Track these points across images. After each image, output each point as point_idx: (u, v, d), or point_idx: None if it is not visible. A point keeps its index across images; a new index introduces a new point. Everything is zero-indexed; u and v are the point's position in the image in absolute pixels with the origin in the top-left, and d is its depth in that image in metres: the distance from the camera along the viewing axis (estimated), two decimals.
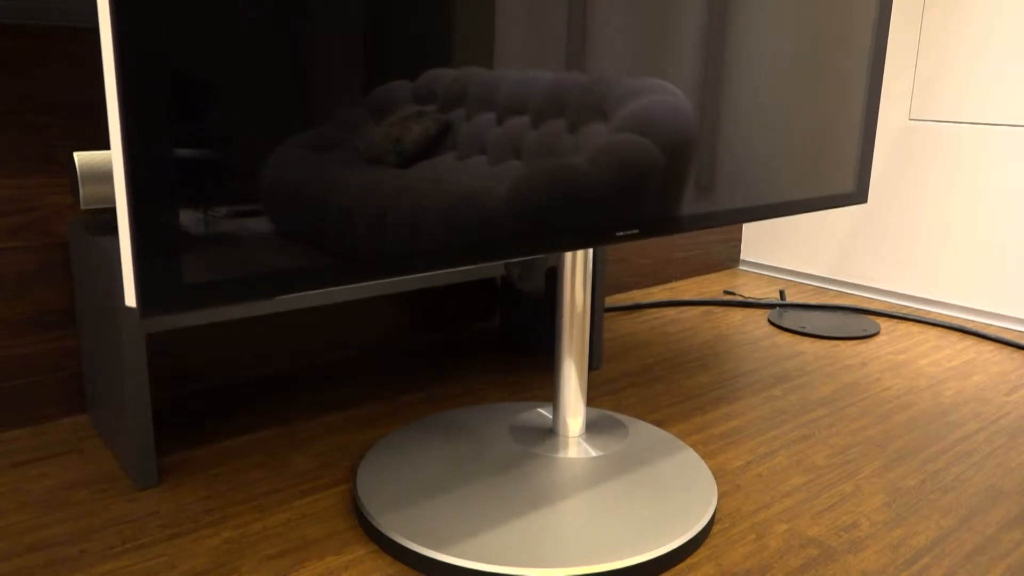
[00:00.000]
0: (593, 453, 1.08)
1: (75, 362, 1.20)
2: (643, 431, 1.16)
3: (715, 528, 0.97)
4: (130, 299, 0.63)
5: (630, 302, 1.88)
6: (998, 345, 1.67)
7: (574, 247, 0.90)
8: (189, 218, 0.64)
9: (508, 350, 1.55)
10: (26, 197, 1.13)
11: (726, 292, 2.01)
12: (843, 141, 1.21)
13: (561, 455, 1.07)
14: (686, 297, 1.95)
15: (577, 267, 1.06)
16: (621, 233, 0.94)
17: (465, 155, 0.77)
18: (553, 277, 1.47)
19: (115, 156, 0.60)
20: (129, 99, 0.59)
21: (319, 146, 0.68)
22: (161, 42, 0.59)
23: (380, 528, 0.90)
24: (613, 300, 1.92)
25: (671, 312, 1.84)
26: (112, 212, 1.20)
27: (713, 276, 2.18)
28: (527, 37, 0.79)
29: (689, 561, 0.90)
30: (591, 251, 1.05)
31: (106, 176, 1.01)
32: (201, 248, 0.65)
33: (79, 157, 1.00)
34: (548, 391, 1.36)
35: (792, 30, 1.07)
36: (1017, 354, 1.61)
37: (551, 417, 1.19)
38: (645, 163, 0.92)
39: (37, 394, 1.18)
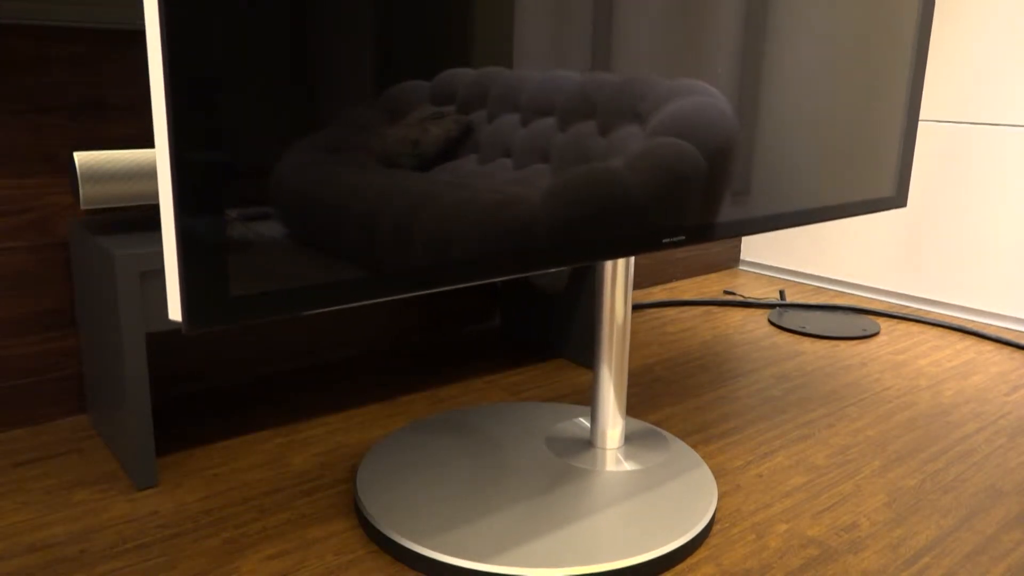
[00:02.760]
0: (625, 461, 1.08)
1: (75, 362, 1.20)
2: (675, 443, 1.16)
3: (715, 528, 0.97)
4: (175, 313, 0.61)
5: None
6: (998, 345, 1.67)
7: (617, 255, 0.87)
8: (235, 229, 0.62)
9: (508, 350, 1.55)
10: (26, 197, 1.13)
11: (726, 292, 2.01)
12: (883, 143, 1.18)
13: (587, 466, 1.07)
14: (686, 297, 1.95)
15: (618, 275, 1.03)
16: (667, 240, 0.91)
17: (488, 158, 0.75)
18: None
19: (161, 166, 0.58)
20: (179, 109, 0.57)
21: (346, 151, 0.67)
22: (210, 46, 0.58)
23: (380, 528, 0.90)
24: None
25: (671, 312, 1.84)
26: (111, 212, 1.20)
27: (713, 276, 2.18)
28: (552, 35, 0.77)
29: (689, 561, 0.90)
30: (632, 259, 1.02)
31: (106, 176, 1.01)
32: (247, 259, 0.63)
33: (79, 157, 1.00)
34: (548, 391, 1.36)
35: (833, 27, 1.04)
36: (1017, 354, 1.61)
37: (583, 423, 1.19)
38: (688, 168, 0.90)
39: (37, 394, 1.18)
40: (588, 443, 1.10)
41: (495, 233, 0.77)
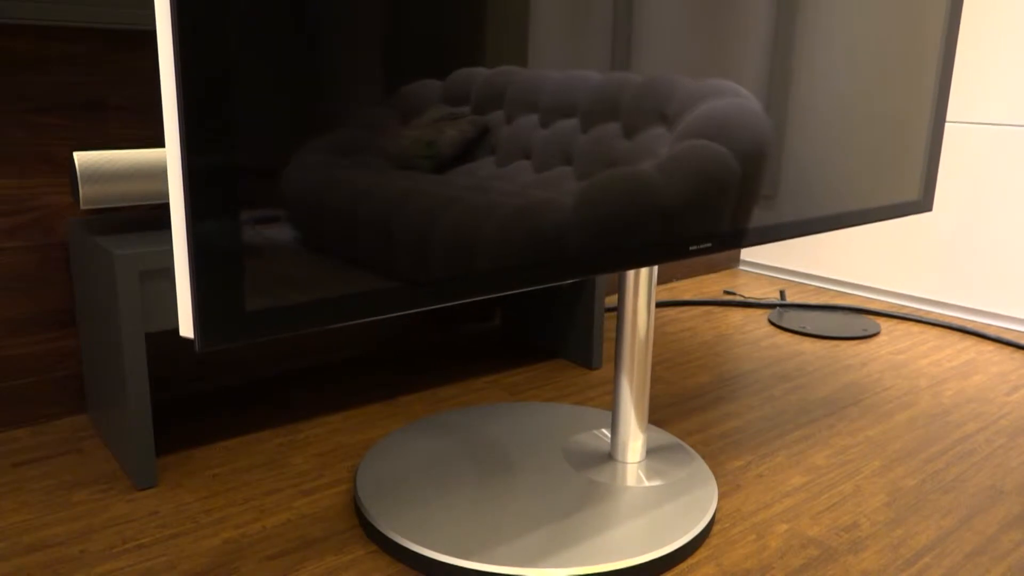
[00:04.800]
0: (643, 475, 1.07)
1: (75, 362, 1.20)
2: (696, 457, 1.15)
3: (715, 528, 0.97)
4: (186, 329, 0.58)
5: None
6: (998, 345, 1.67)
7: (645, 263, 0.84)
8: (252, 241, 0.58)
9: (508, 350, 1.55)
10: (26, 197, 1.13)
11: (726, 292, 2.01)
12: (910, 146, 1.15)
13: (604, 479, 1.07)
14: (686, 297, 1.95)
15: (640, 285, 0.98)
16: (694, 247, 0.88)
17: (506, 160, 0.72)
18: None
19: (172, 172, 0.56)
20: (191, 112, 0.54)
21: (363, 154, 0.64)
22: (223, 44, 0.55)
23: (380, 528, 0.90)
24: (613, 300, 1.92)
25: (671, 312, 1.84)
26: (111, 212, 1.20)
27: (713, 276, 2.18)
28: (570, 33, 0.74)
29: (690, 561, 0.90)
30: (655, 267, 0.97)
31: (106, 176, 1.01)
32: (262, 272, 0.60)
33: (79, 157, 1.00)
34: (548, 391, 1.36)
35: (860, 27, 1.02)
36: (1017, 354, 1.61)
37: (604, 434, 1.18)
38: (720, 171, 0.87)
39: (37, 394, 1.18)
40: (608, 455, 1.07)
41: (524, 240, 0.74)
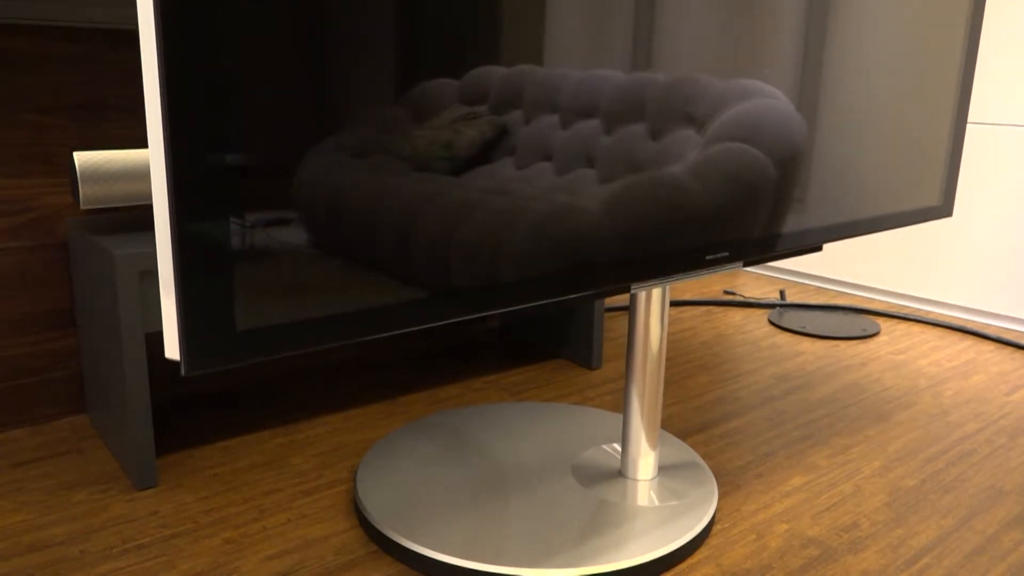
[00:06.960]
0: (653, 493, 1.07)
1: (75, 362, 1.20)
2: (708, 473, 1.14)
3: (715, 528, 0.97)
4: (171, 351, 0.54)
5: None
6: (998, 345, 1.67)
7: (668, 274, 0.80)
8: (242, 252, 0.54)
9: (508, 350, 1.55)
10: (26, 197, 1.13)
11: (726, 292, 2.01)
12: (932, 150, 1.13)
13: (615, 497, 1.07)
14: (686, 297, 1.95)
15: (653, 296, 0.93)
16: (711, 257, 0.84)
17: (526, 162, 0.69)
18: None
19: (156, 181, 0.52)
20: (177, 118, 0.50)
21: (373, 155, 0.60)
22: (211, 38, 0.52)
23: (380, 528, 0.90)
24: (613, 300, 1.92)
25: (671, 312, 1.84)
26: (111, 212, 1.20)
27: (713, 276, 2.18)
28: (592, 30, 0.70)
29: (690, 561, 0.90)
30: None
31: (106, 176, 1.01)
32: (256, 288, 0.55)
33: (79, 157, 1.00)
34: (548, 391, 1.36)
35: (883, 29, 1.00)
36: (1017, 354, 1.61)
37: (616, 448, 1.18)
38: (756, 176, 0.83)
39: (37, 394, 1.18)
40: (617, 472, 1.04)
41: (546, 247, 0.70)
